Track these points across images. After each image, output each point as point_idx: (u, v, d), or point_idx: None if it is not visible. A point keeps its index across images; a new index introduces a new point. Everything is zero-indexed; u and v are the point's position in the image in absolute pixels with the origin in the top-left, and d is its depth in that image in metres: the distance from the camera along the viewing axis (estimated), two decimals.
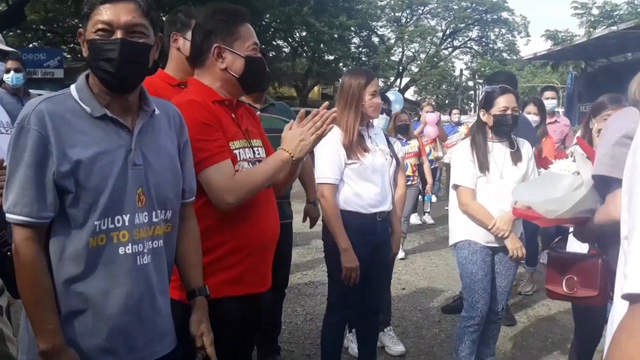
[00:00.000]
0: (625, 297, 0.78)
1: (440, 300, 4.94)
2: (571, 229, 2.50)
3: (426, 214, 8.55)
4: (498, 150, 3.06)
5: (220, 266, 1.93)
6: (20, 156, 1.35)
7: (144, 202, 1.52)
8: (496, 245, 3.06)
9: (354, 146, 2.84)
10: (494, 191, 3.00)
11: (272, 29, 24.16)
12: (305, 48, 27.60)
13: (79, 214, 1.41)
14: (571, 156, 2.31)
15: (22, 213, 1.36)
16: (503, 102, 3.00)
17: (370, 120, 3.00)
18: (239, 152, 1.99)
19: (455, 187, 3.10)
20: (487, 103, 3.06)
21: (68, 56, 21.65)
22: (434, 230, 7.98)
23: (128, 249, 1.48)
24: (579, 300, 2.50)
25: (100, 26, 1.42)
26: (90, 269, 1.42)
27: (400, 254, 6.02)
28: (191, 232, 1.78)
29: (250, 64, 1.99)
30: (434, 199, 9.14)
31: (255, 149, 2.09)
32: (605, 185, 2.06)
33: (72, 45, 22.08)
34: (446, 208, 9.29)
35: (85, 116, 1.43)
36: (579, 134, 3.96)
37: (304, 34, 26.55)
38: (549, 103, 5.38)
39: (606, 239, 2.26)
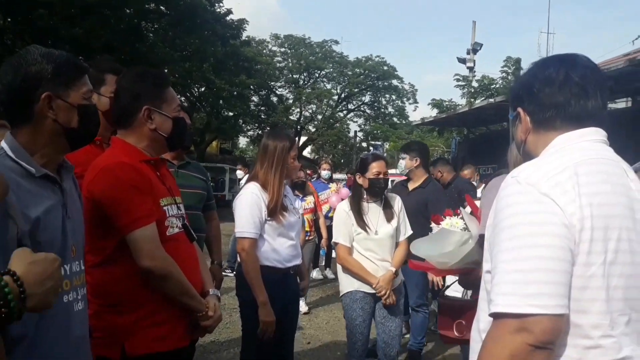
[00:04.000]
0: (491, 315, 1.16)
1: (344, 353, 5.06)
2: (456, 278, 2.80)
3: (327, 268, 8.75)
4: (373, 210, 3.45)
5: (150, 322, 1.97)
6: None
7: (75, 251, 1.61)
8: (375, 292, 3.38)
9: (278, 207, 2.97)
10: (370, 246, 3.38)
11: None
12: (204, 103, 27.59)
13: None
14: (458, 215, 2.57)
15: None
16: (376, 167, 3.40)
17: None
18: (167, 209, 2.08)
19: (335, 244, 3.46)
20: (363, 168, 3.46)
21: None
22: (335, 285, 8.15)
23: (70, 297, 1.55)
24: (468, 342, 2.76)
25: (90, 94, 1.62)
26: (43, 320, 1.45)
27: (304, 308, 6.13)
28: None
29: (177, 125, 2.12)
30: (333, 254, 9.37)
31: (178, 205, 2.19)
32: None
33: None
34: None
35: (26, 175, 1.48)
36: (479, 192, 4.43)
37: (203, 89, 26.60)
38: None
39: None
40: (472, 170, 5.70)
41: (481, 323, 1.31)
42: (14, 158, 1.47)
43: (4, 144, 1.51)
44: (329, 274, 8.70)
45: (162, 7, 18.66)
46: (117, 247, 1.95)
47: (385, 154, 36.09)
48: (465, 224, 2.53)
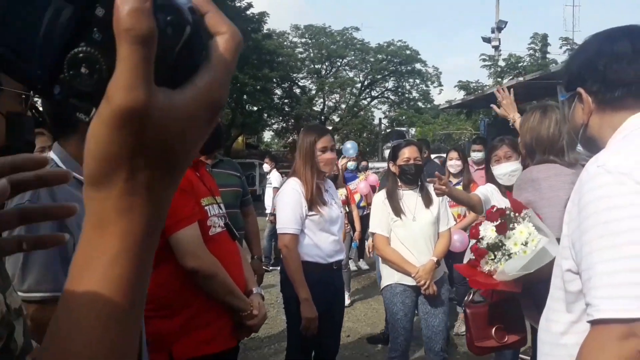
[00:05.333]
0: (592, 321, 1.04)
1: (384, 346, 5.01)
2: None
3: (360, 259, 8.71)
4: (409, 197, 3.35)
5: (196, 325, 1.95)
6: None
7: None
8: (416, 284, 3.27)
9: (314, 199, 2.96)
10: (408, 234, 3.28)
11: None
12: (228, 99, 27.69)
13: None
14: (521, 218, 2.23)
15: (48, 290, 1.34)
16: (407, 153, 3.32)
17: (325, 174, 3.11)
18: (209, 209, 2.06)
19: (372, 234, 3.40)
20: (394, 155, 3.39)
21: None
22: (370, 276, 8.12)
23: None
24: (509, 347, 2.52)
25: None
26: None
27: (347, 301, 6.09)
28: None
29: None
30: (366, 244, 9.32)
31: (219, 204, 2.16)
32: None
33: None
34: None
35: (78, 186, 1.43)
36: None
37: None
38: (476, 155, 5.71)
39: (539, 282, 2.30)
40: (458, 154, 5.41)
41: (554, 324, 1.22)
42: (64, 168, 1.44)
43: (53, 155, 1.50)
44: (362, 265, 8.65)
45: None
46: (160, 250, 1.92)
47: None
48: (534, 226, 2.22)
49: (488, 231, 2.21)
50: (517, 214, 2.19)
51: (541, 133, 2.28)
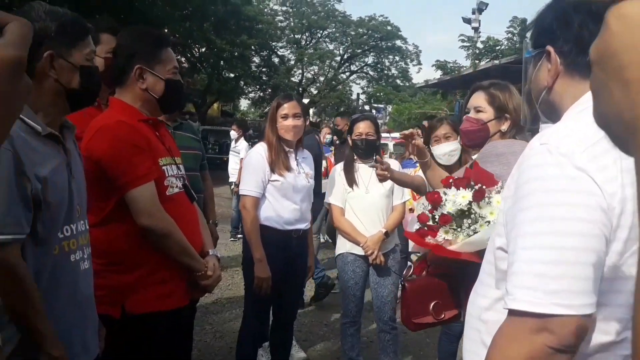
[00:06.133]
0: (507, 309, 0.98)
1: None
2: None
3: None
4: (364, 170, 3.41)
5: (150, 281, 1.98)
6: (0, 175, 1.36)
7: (79, 211, 1.61)
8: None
9: (275, 163, 3.02)
10: (361, 205, 3.36)
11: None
12: (204, 64, 27.26)
13: (44, 228, 1.44)
14: (495, 192, 2.03)
15: (13, 232, 1.36)
16: (360, 128, 3.37)
17: (293, 143, 3.13)
18: (166, 169, 2.07)
19: (328, 205, 3.50)
20: (350, 129, 3.47)
21: None
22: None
23: (77, 256, 1.56)
24: (445, 322, 2.44)
25: (92, 55, 1.61)
26: (53, 279, 1.47)
27: None
28: None
29: (170, 87, 2.08)
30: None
31: (178, 165, 2.18)
32: None
33: None
34: None
35: (32, 133, 1.46)
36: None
37: (204, 49, 26.26)
38: None
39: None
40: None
41: (480, 298, 1.17)
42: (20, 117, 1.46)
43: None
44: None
45: None
46: (116, 206, 1.95)
47: (387, 117, 35.94)
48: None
49: (459, 197, 2.02)
50: (489, 188, 1.99)
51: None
